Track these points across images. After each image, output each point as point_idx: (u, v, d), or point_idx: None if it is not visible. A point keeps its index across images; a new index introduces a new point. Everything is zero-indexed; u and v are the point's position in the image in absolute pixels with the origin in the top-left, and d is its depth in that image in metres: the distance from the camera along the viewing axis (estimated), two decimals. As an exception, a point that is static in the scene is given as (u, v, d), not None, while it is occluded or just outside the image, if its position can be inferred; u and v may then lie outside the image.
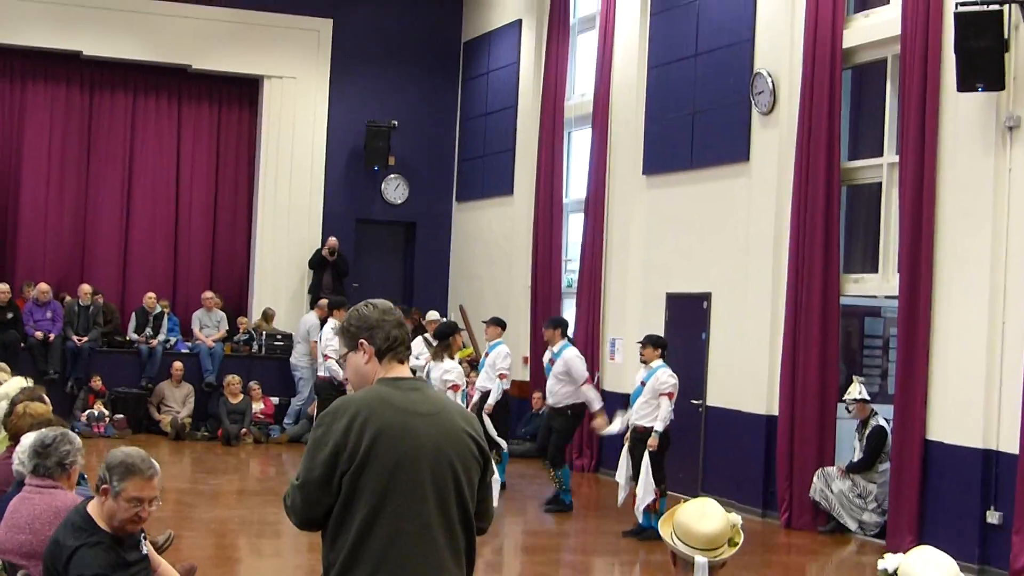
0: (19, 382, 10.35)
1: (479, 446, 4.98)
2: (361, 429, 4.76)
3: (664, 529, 5.19)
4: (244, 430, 20.31)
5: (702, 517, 5.09)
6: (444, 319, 18.69)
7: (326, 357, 16.65)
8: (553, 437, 15.41)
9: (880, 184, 14.66)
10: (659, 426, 13.50)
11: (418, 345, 16.09)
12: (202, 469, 18.09)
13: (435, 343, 14.00)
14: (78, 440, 7.04)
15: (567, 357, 15.45)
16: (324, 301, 20.99)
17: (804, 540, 14.35)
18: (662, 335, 15.94)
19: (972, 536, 12.64)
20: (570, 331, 16.79)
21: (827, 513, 14.61)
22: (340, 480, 4.76)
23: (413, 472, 4.79)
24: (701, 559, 4.99)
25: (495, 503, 13.29)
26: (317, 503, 4.82)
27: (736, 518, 5.20)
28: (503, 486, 15.88)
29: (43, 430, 7.07)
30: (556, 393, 15.50)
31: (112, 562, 5.97)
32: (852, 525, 14.42)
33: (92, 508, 6.07)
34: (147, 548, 6.36)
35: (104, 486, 6.00)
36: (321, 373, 17.28)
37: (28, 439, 7.09)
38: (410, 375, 5.05)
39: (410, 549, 4.79)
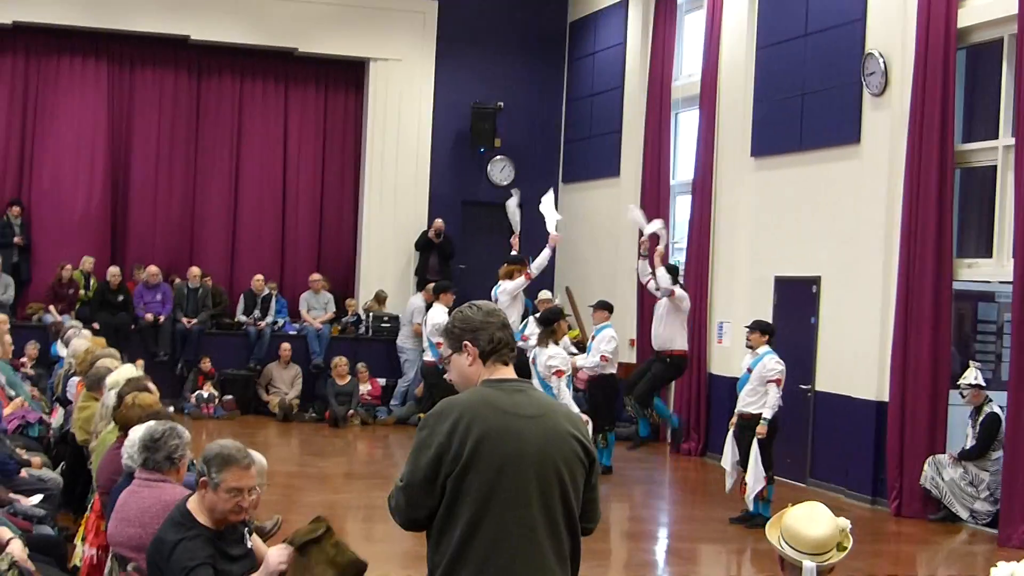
0: (129, 370, 10.42)
1: (584, 448, 4.92)
2: (465, 432, 4.74)
3: (772, 533, 5.15)
4: (351, 412, 20.43)
5: (811, 521, 5.05)
6: (554, 299, 18.67)
7: (437, 344, 16.62)
8: (647, 379, 15.55)
9: (995, 167, 14.37)
10: (767, 413, 13.34)
11: (531, 327, 16.07)
12: (309, 451, 18.21)
13: (540, 329, 13.93)
14: (187, 434, 7.07)
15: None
16: (431, 285, 21.07)
17: (914, 528, 14.15)
18: (770, 320, 15.81)
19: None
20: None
21: (938, 501, 14.39)
22: (444, 483, 4.75)
23: (517, 475, 4.77)
24: (809, 564, 4.95)
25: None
26: (420, 505, 4.81)
27: (845, 522, 5.15)
28: (609, 470, 15.82)
29: (152, 424, 7.11)
30: (658, 336, 16.03)
31: (213, 554, 5.99)
32: (963, 514, 14.19)
33: (192, 504, 6.10)
34: (252, 542, 6.37)
35: (203, 479, 6.03)
36: (427, 357, 17.26)
37: (137, 432, 7.14)
38: (514, 377, 5.00)
39: (514, 552, 4.77)
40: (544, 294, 18.86)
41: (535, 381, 13.39)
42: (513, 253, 17.08)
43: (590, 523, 5.04)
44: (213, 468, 6.02)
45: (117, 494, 7.14)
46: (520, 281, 16.16)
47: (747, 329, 14.02)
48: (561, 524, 4.85)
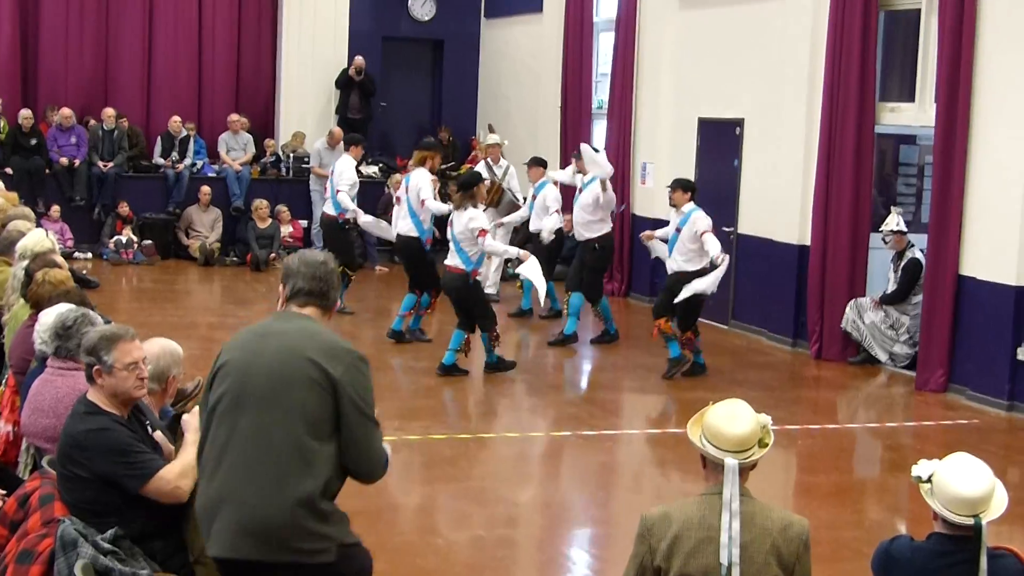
0: (39, 235, 10.18)
1: (323, 373, 5.06)
2: (220, 355, 5.30)
3: (693, 432, 5.14)
4: (273, 255, 20.25)
5: (732, 419, 5.03)
6: (503, 141, 18.29)
7: (338, 192, 16.22)
8: (587, 274, 15.22)
9: (919, 10, 14.23)
10: (717, 255, 13.01)
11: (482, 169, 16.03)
12: (231, 299, 18.10)
13: (458, 192, 13.51)
14: (99, 319, 6.96)
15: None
16: (337, 130, 20.91)
17: (834, 372, 14.33)
18: (694, 162, 15.78)
19: (1002, 372, 12.61)
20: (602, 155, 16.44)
21: (858, 344, 14.56)
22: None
23: (241, 385, 5.12)
24: (731, 461, 4.94)
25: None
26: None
27: (766, 419, 5.14)
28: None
29: (63, 310, 6.98)
30: (582, 224, 15.29)
31: (131, 435, 5.89)
32: (883, 356, 14.37)
33: (92, 395, 5.96)
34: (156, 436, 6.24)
35: (95, 367, 5.89)
36: (327, 209, 16.59)
37: (48, 317, 7.01)
38: (297, 311, 5.33)
39: (234, 460, 5.08)
40: (492, 137, 18.50)
41: (451, 246, 13.21)
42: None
43: (355, 468, 5.19)
44: (102, 352, 5.88)
45: (31, 378, 7.04)
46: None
47: (668, 188, 13.80)
48: (295, 432, 5.01)
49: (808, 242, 15.06)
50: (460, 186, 13.36)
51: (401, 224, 14.94)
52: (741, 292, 16.27)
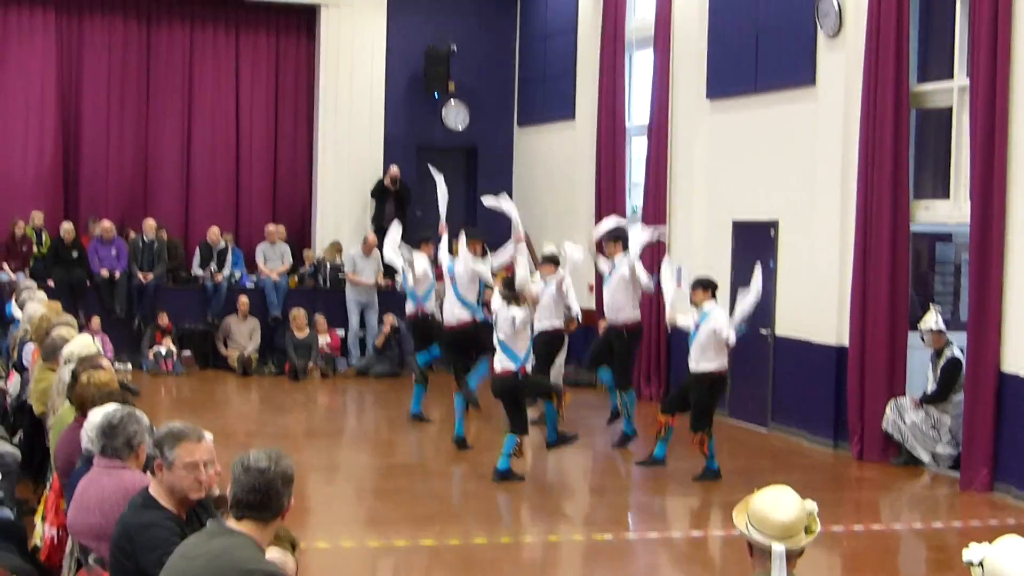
0: (84, 341, 10.29)
1: None
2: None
3: (739, 519, 5.12)
4: (311, 364, 20.33)
5: (778, 505, 5.02)
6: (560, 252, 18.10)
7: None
8: (616, 361, 15.24)
9: (951, 108, 14.32)
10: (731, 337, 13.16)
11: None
12: (270, 407, 18.14)
13: (506, 291, 13.56)
14: (145, 419, 7.00)
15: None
16: (372, 236, 21.05)
17: (876, 473, 14.21)
18: (728, 266, 15.80)
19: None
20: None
21: (900, 445, 14.45)
22: None
23: None
24: (779, 547, 4.92)
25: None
26: None
27: (812, 505, 5.12)
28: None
29: (110, 409, 7.03)
30: (612, 309, 15.39)
31: (181, 535, 5.92)
32: (925, 457, 14.26)
33: (153, 488, 6.02)
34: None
35: (157, 461, 5.95)
36: (408, 309, 16.68)
37: (96, 416, 7.06)
38: (231, 530, 5.15)
39: None
40: (548, 248, 18.33)
41: (498, 351, 13.24)
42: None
43: None
44: (165, 447, 5.95)
45: (76, 477, 7.08)
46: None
47: (690, 288, 13.86)
48: None
49: (846, 342, 15.02)
50: (506, 285, 13.40)
51: (453, 311, 14.98)
52: (779, 393, 16.22)
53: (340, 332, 21.29)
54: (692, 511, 12.89)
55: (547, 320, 15.13)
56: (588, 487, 14.12)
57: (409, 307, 16.65)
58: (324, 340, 20.87)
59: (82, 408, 7.93)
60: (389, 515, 11.95)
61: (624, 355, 15.36)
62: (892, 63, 14.46)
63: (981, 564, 4.94)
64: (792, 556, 4.97)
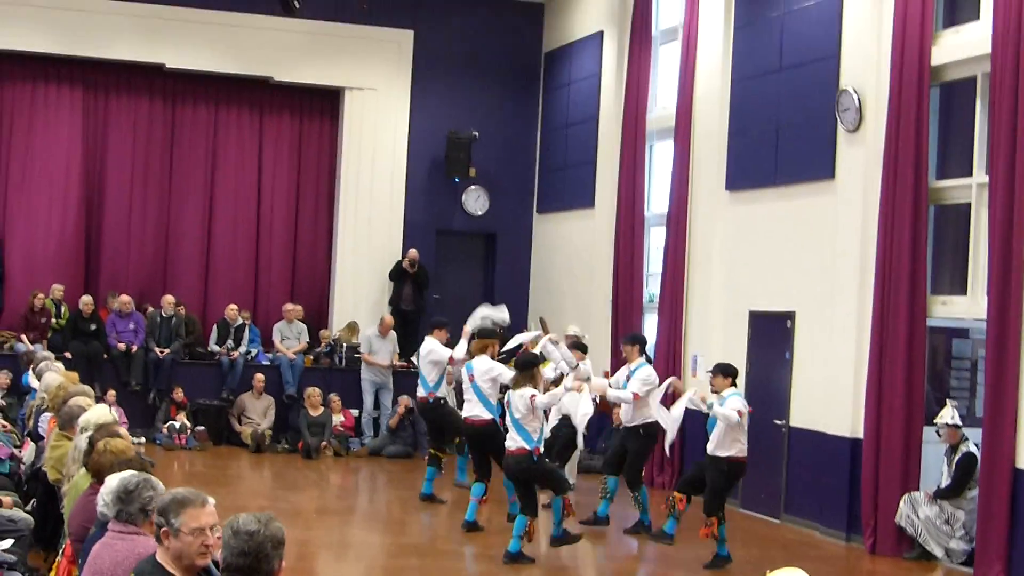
0: (101, 410, 10.33)
1: None
2: None
3: (753, 596, 5.11)
4: (324, 443, 20.34)
5: (791, 587, 5.01)
6: (583, 336, 18.01)
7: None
8: (629, 458, 15.25)
9: (969, 204, 14.39)
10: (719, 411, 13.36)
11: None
12: (282, 484, 18.11)
13: (517, 371, 13.61)
14: (160, 485, 7.01)
15: (641, 376, 15.29)
16: (388, 318, 21.20)
17: (889, 567, 14.14)
18: (744, 354, 15.84)
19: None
20: (649, 347, 16.57)
21: (913, 539, 14.38)
22: None
23: None
24: (792, 627, 4.90)
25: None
26: None
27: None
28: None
29: (126, 475, 7.05)
30: (628, 411, 15.36)
31: None
32: (939, 552, 14.18)
33: (160, 556, 6.02)
34: None
35: (163, 530, 5.96)
36: (419, 393, 16.89)
37: (112, 482, 7.07)
38: None
39: None
40: (572, 329, 18.36)
41: (512, 431, 13.28)
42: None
43: None
44: (171, 514, 5.96)
45: (91, 543, 7.09)
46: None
47: (709, 373, 13.93)
48: None
49: (861, 435, 15.00)
50: (519, 366, 13.46)
51: (473, 409, 14.96)
52: (793, 485, 16.18)
53: (354, 412, 21.32)
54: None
55: (640, 413, 15.25)
56: (596, 571, 14.05)
57: (420, 392, 16.75)
58: (338, 419, 20.89)
59: (98, 475, 7.95)
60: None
61: (637, 454, 15.34)
62: (911, 159, 14.55)
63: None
64: (804, 636, 4.96)
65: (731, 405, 13.39)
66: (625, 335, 17.11)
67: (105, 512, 7.09)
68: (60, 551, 8.53)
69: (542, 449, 13.29)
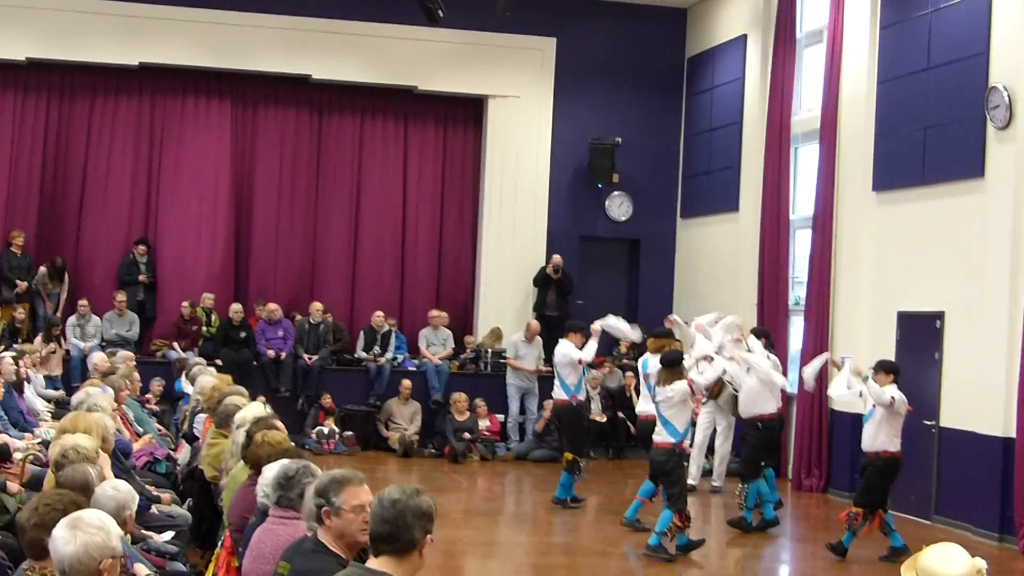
0: (257, 407, 10.56)
1: None
2: None
3: (908, 573, 5.12)
4: (471, 447, 20.50)
5: (947, 561, 5.05)
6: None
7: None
8: (744, 450, 15.39)
9: (1123, 198, 14.16)
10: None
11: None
12: (430, 487, 17.94)
13: (663, 369, 13.71)
14: (319, 471, 7.15)
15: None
16: (535, 323, 21.31)
17: (1044, 567, 13.95)
18: (893, 356, 15.67)
19: None
20: (795, 351, 16.60)
21: (1068, 540, 14.17)
22: None
23: None
24: (947, 602, 4.90)
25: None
26: None
27: (981, 563, 5.12)
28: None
29: (285, 462, 7.21)
30: (746, 401, 15.72)
31: None
32: (1094, 552, 13.98)
33: (321, 535, 6.14)
34: None
35: (324, 509, 6.08)
36: (557, 395, 16.79)
37: (271, 471, 7.23)
38: (370, 570, 5.24)
39: None
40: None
41: (658, 425, 13.55)
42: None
43: None
44: (331, 494, 6.08)
45: (250, 532, 7.24)
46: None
47: (871, 370, 13.90)
48: None
49: (1013, 434, 14.79)
50: (665, 364, 13.53)
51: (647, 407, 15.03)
52: (944, 486, 15.99)
53: (500, 417, 21.45)
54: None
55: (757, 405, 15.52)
56: (744, 570, 14.02)
57: (561, 395, 16.66)
58: (484, 424, 21.04)
59: (256, 466, 8.10)
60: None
61: (755, 447, 15.42)
62: (1063, 155, 14.35)
63: None
64: (961, 612, 4.95)
65: (890, 392, 13.52)
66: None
67: (265, 501, 7.24)
68: (219, 543, 8.71)
69: (686, 444, 13.56)
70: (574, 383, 16.42)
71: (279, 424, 9.17)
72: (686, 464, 15.02)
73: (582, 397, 16.69)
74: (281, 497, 7.00)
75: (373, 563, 5.20)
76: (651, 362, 15.04)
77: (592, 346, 16.22)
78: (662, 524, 13.26)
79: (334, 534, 6.09)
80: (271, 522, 6.99)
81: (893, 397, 13.55)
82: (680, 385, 13.39)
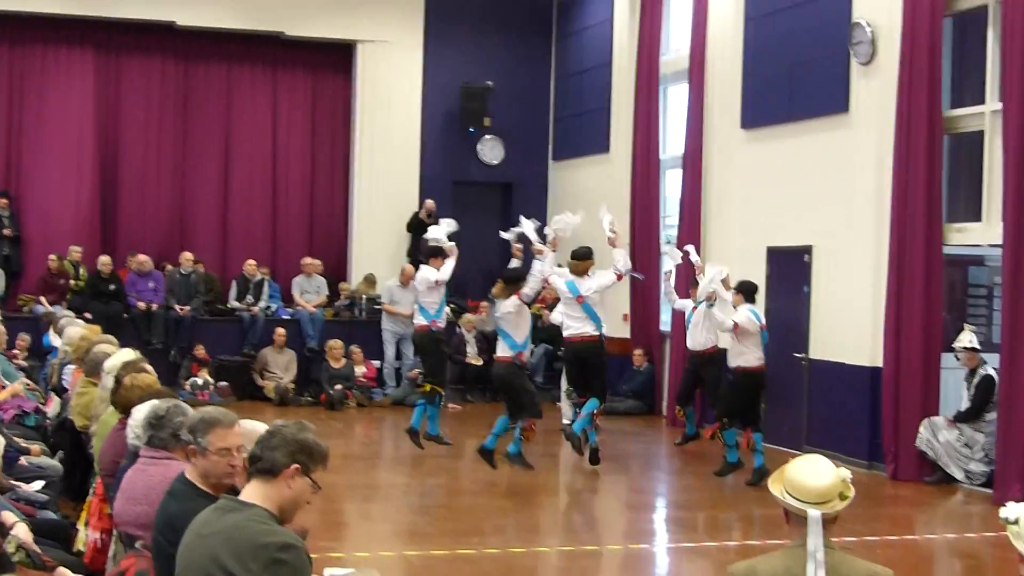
0: (127, 353, 10.43)
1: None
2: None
3: (775, 487, 5.22)
4: (348, 394, 20.48)
5: (813, 472, 5.13)
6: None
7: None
8: (723, 394, 15.25)
9: (982, 132, 14.44)
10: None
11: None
12: (307, 434, 18.18)
13: (504, 285, 14.52)
14: (191, 410, 7.08)
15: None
16: (409, 267, 21.29)
17: (911, 491, 14.28)
18: (763, 293, 15.94)
19: (1085, 486, 12.50)
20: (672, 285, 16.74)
21: (933, 463, 14.51)
22: None
23: None
24: (814, 512, 5.02)
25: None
26: None
27: (846, 473, 5.23)
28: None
29: (155, 402, 7.13)
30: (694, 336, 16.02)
31: None
32: (959, 475, 14.32)
33: (189, 473, 6.12)
34: None
35: (191, 447, 6.06)
36: (417, 321, 16.20)
37: (141, 411, 7.15)
38: (242, 502, 5.16)
39: None
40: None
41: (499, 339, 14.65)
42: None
43: None
44: (199, 434, 6.05)
45: (121, 476, 7.16)
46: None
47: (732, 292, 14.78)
48: None
49: (880, 364, 15.10)
50: (505, 280, 13.99)
51: (583, 327, 14.97)
52: (814, 416, 16.28)
53: (376, 363, 21.43)
54: (730, 522, 12.99)
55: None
56: (625, 503, 14.19)
57: (420, 320, 16.11)
58: (360, 371, 21.02)
59: (126, 410, 7.99)
60: (427, 529, 12.07)
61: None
62: (925, 89, 14.58)
63: (1017, 521, 5.03)
64: (827, 522, 5.05)
65: (734, 319, 14.35)
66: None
67: (136, 442, 7.15)
68: (91, 491, 8.62)
69: (526, 356, 14.44)
70: (434, 308, 15.89)
71: (148, 367, 9.09)
72: (528, 373, 15.43)
73: (442, 323, 16.15)
74: (152, 437, 6.92)
75: (246, 490, 5.18)
76: (581, 284, 15.09)
77: (449, 265, 15.89)
78: (499, 427, 14.39)
79: (199, 473, 6.07)
80: (142, 463, 6.91)
81: (736, 323, 14.23)
82: (515, 300, 14.20)
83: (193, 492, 6.04)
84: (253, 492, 5.14)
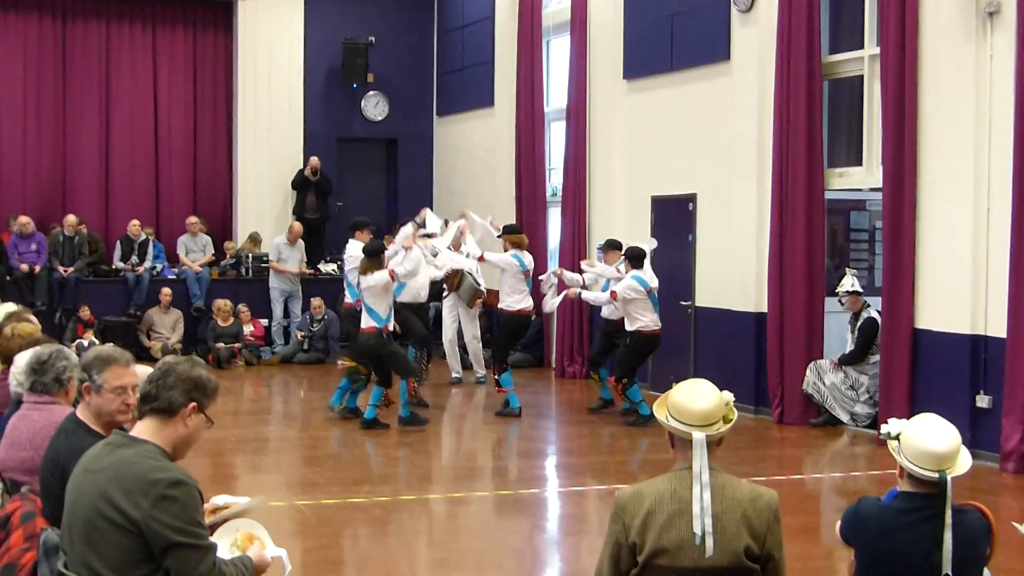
0: (8, 306, 10.28)
1: (123, 515, 4.85)
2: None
3: (659, 411, 5.28)
4: (236, 352, 20.37)
5: (696, 395, 5.22)
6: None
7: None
8: (620, 356, 15.26)
9: (862, 77, 14.63)
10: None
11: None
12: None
13: (366, 259, 14.28)
14: (73, 355, 7.02)
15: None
16: (297, 225, 21.25)
17: (797, 434, 14.49)
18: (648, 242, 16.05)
19: (963, 421, 12.63)
20: (556, 239, 16.83)
21: (819, 406, 14.74)
22: None
23: (66, 524, 5.07)
24: (699, 434, 5.09)
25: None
26: None
27: (728, 395, 5.34)
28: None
29: (37, 348, 7.06)
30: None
31: None
32: (844, 417, 14.56)
33: (80, 412, 6.08)
34: None
35: (85, 384, 6.02)
36: (347, 300, 15.98)
37: (23, 358, 7.06)
38: (133, 438, 5.08)
39: None
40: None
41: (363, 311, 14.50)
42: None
43: None
44: (94, 371, 6.01)
45: (5, 423, 7.09)
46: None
47: (599, 250, 15.29)
48: (95, 569, 4.88)
49: (765, 309, 15.30)
50: (368, 253, 14.05)
51: (524, 302, 15.91)
52: (702, 363, 16.45)
53: (264, 321, 21.32)
54: (620, 467, 13.09)
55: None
56: (516, 452, 14.27)
57: (348, 299, 15.90)
58: (248, 329, 20.89)
59: (7, 360, 7.91)
60: (318, 479, 12.06)
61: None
62: (804, 35, 14.73)
63: (898, 437, 5.15)
64: (712, 444, 5.13)
65: (610, 290, 14.79)
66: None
67: (19, 389, 7.07)
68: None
69: (391, 328, 14.49)
70: (385, 311, 15.65)
71: (31, 317, 8.98)
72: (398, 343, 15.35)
73: (391, 326, 16.13)
74: (35, 382, 6.85)
75: (137, 427, 5.12)
76: (526, 259, 15.83)
77: (412, 257, 15.58)
78: (375, 398, 14.54)
79: (92, 411, 6.03)
80: (26, 408, 6.85)
81: (613, 292, 14.64)
82: (382, 275, 14.08)
83: (83, 431, 6.00)
84: (145, 429, 5.08)
